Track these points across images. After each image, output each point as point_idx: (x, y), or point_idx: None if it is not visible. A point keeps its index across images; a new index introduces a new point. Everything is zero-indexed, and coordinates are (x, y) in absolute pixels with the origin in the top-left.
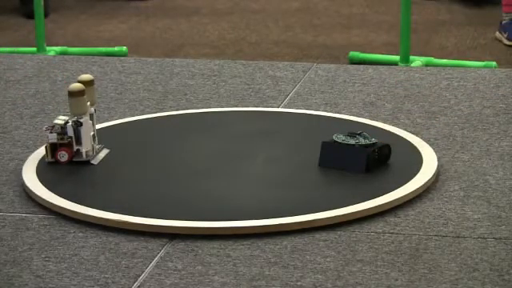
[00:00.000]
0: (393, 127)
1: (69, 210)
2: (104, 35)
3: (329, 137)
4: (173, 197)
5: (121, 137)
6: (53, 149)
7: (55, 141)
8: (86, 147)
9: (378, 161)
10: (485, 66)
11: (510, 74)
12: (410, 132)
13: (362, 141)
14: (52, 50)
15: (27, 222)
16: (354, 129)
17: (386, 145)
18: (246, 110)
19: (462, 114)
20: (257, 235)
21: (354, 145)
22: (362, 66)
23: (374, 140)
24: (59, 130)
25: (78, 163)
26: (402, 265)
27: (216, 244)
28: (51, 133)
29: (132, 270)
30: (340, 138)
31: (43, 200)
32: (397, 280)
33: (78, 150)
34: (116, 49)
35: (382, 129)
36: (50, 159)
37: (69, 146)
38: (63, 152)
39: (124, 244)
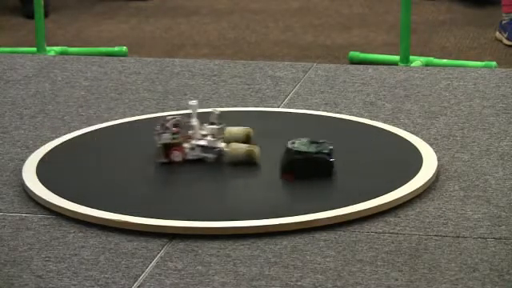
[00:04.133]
0: (393, 127)
1: (69, 210)
2: (104, 35)
3: (329, 137)
4: (173, 197)
5: (121, 137)
6: (166, 149)
7: (168, 141)
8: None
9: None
10: (485, 66)
11: (510, 74)
12: (410, 132)
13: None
14: (52, 50)
15: (27, 222)
16: (346, 130)
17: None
18: (246, 109)
19: (461, 113)
20: (257, 235)
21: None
22: (361, 66)
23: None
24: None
25: (78, 163)
26: (402, 265)
27: (216, 244)
28: (164, 133)
29: (132, 269)
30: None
31: (43, 200)
32: (397, 280)
33: (191, 148)
34: (116, 49)
35: (381, 129)
36: (162, 160)
37: (181, 145)
38: (176, 152)
39: (124, 244)
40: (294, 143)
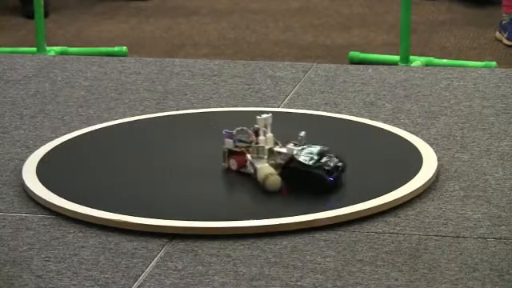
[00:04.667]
0: (393, 127)
1: (69, 210)
2: (104, 35)
3: (329, 137)
4: (173, 197)
5: (121, 137)
6: (228, 155)
7: (230, 148)
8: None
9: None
10: (485, 66)
11: (510, 74)
12: (410, 132)
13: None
14: (52, 50)
15: (27, 222)
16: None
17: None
18: (246, 110)
19: (461, 113)
20: (257, 235)
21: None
22: (361, 66)
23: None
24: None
25: (78, 163)
26: (402, 265)
27: (216, 244)
28: (229, 138)
29: (132, 269)
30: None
31: (43, 200)
32: (397, 280)
33: (248, 161)
34: (116, 49)
35: (382, 129)
36: (225, 164)
37: (241, 154)
38: (233, 160)
39: (124, 244)
40: (303, 149)
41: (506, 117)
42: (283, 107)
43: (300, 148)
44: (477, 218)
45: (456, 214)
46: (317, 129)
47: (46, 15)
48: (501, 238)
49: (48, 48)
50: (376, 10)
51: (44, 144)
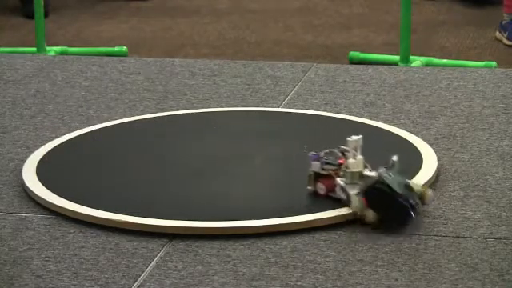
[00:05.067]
0: (393, 127)
1: (69, 210)
2: (104, 35)
3: (329, 137)
4: (173, 197)
5: (121, 137)
6: (315, 178)
7: (317, 170)
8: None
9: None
10: (485, 66)
11: (510, 74)
12: (410, 132)
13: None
14: (52, 50)
15: (27, 222)
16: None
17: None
18: (246, 109)
19: (461, 113)
20: (257, 235)
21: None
22: (361, 66)
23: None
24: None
25: (78, 163)
26: (402, 265)
27: (216, 244)
28: (316, 161)
29: (132, 269)
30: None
31: (43, 200)
32: (397, 280)
33: (337, 186)
34: (116, 49)
35: (382, 129)
36: (311, 188)
37: (329, 178)
38: (320, 184)
39: (124, 244)
40: (389, 175)
41: (506, 117)
42: (283, 107)
43: (386, 173)
44: (477, 218)
45: (456, 213)
46: (317, 129)
47: (46, 15)
48: (501, 238)
49: (48, 48)
50: (376, 10)
51: (44, 144)
